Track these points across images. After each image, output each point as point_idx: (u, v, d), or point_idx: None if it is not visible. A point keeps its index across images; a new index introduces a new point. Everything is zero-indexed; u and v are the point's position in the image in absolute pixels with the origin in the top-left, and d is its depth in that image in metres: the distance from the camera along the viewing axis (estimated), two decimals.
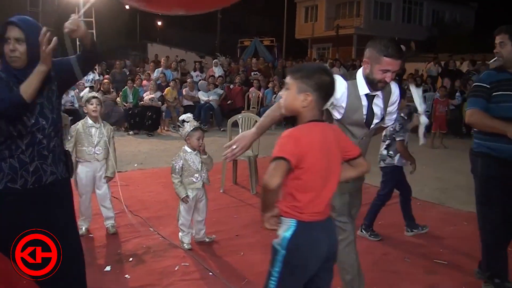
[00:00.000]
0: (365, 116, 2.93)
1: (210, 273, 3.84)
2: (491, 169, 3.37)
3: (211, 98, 12.92)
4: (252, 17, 45.26)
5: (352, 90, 2.89)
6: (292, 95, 2.22)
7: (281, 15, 32.93)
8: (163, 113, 12.17)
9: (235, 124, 6.66)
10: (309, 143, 2.14)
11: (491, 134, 3.26)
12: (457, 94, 12.57)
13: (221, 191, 6.28)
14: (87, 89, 4.45)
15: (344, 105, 2.87)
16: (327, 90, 2.22)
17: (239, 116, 6.73)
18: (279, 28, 33.01)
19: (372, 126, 2.99)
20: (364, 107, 2.92)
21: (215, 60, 16.45)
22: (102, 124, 4.58)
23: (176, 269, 3.91)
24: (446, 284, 3.80)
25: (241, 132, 6.37)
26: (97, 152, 4.51)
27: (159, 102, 12.00)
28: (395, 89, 3.04)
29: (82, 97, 5.19)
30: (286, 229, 2.17)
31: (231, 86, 14.16)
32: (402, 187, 4.92)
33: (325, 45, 35.55)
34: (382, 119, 3.04)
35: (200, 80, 14.43)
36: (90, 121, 4.54)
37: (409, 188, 4.93)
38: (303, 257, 2.17)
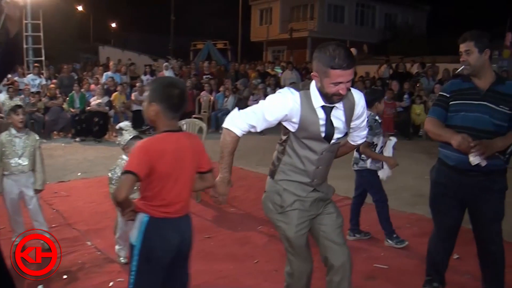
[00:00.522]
0: (323, 130, 2.71)
1: None
2: (441, 175, 3.43)
3: None
4: (208, 19, 45.11)
5: (306, 102, 2.68)
6: (146, 105, 2.46)
7: (237, 17, 32.94)
8: (111, 119, 11.90)
9: None
10: (160, 151, 2.36)
11: (444, 142, 3.29)
12: (406, 96, 12.82)
13: None
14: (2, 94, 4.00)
15: (296, 120, 2.68)
16: (174, 101, 2.41)
17: (183, 122, 6.63)
18: (234, 30, 33.03)
19: (333, 141, 2.76)
20: (321, 120, 2.70)
21: (165, 64, 16.22)
22: (26, 134, 4.37)
23: (110, 285, 3.78)
24: None
25: None
26: (22, 163, 4.28)
27: (107, 108, 11.72)
28: (359, 99, 2.80)
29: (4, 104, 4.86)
30: (139, 226, 2.41)
31: None
32: (371, 190, 4.90)
33: (280, 48, 35.79)
34: (346, 134, 2.88)
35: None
36: (14, 131, 4.30)
37: (384, 195, 4.83)
38: (154, 250, 2.40)
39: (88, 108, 11.54)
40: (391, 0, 37.23)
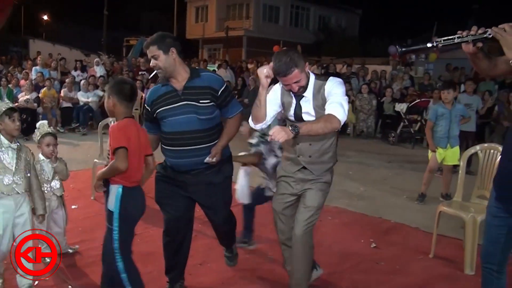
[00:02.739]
0: (293, 111, 3.17)
1: (70, 286, 3.72)
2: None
3: (90, 99, 12.44)
4: (143, 15, 44.45)
5: (284, 91, 3.22)
6: (106, 100, 3.13)
7: (172, 14, 32.63)
8: (40, 116, 11.56)
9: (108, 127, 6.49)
10: (130, 130, 3.01)
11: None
12: None
13: (92, 198, 6.08)
14: None
15: (280, 102, 3.24)
16: (126, 93, 3.07)
17: (110, 119, 6.56)
18: (169, 27, 32.69)
19: (307, 120, 3.11)
20: (293, 104, 3.17)
21: (96, 59, 15.86)
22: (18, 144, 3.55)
23: (35, 284, 3.74)
24: None
25: None
26: (17, 182, 3.42)
27: (35, 104, 11.38)
28: (327, 85, 3.08)
29: None
30: (115, 194, 3.01)
31: None
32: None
33: (216, 46, 35.75)
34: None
35: (81, 80, 13.86)
36: (5, 141, 3.40)
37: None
38: (129, 213, 3.05)
39: (16, 104, 11.15)
40: (325, 3, 38.12)
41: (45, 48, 21.39)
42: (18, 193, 3.40)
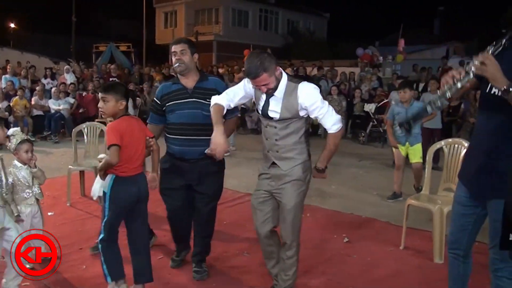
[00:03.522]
0: (261, 106, 3.35)
1: None
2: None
3: (61, 107, 12.36)
4: (112, 22, 44.09)
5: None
6: (113, 104, 3.41)
7: (141, 20, 32.47)
8: (11, 124, 11.43)
9: (81, 134, 6.52)
10: (124, 127, 3.37)
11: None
12: None
13: (68, 204, 6.11)
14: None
15: (252, 93, 3.42)
16: (126, 93, 3.51)
17: (83, 125, 6.59)
18: (138, 33, 32.55)
19: (273, 117, 3.30)
20: (262, 100, 3.35)
21: (66, 67, 15.74)
22: None
23: None
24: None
25: (86, 140, 6.33)
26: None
27: (6, 113, 11.26)
28: (301, 93, 3.22)
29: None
30: (109, 180, 3.43)
31: (84, 93, 13.68)
32: None
33: None
34: (289, 119, 3.29)
35: (51, 87, 13.75)
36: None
37: None
38: (118, 194, 3.44)
39: None
40: (293, 7, 38.53)
41: (14, 56, 21.06)
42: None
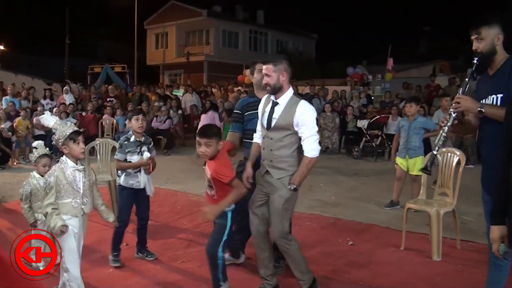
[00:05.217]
0: (266, 117, 3.78)
1: None
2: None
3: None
4: (103, 43, 44.45)
5: (266, 99, 3.94)
6: (215, 147, 3.59)
7: (132, 41, 32.93)
8: (13, 144, 11.72)
9: (91, 152, 6.84)
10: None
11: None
12: None
13: None
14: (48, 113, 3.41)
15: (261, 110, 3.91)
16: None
17: (97, 142, 6.91)
18: (130, 54, 32.94)
19: (272, 125, 3.73)
20: (268, 110, 3.80)
21: (65, 87, 16.07)
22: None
23: None
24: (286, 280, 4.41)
25: (99, 158, 6.65)
26: (85, 203, 3.69)
27: (10, 133, 11.56)
28: (299, 110, 3.65)
29: (43, 123, 3.93)
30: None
31: (83, 113, 14.02)
32: (137, 211, 4.86)
33: (176, 71, 36.22)
34: (287, 129, 3.70)
35: (50, 108, 14.06)
36: (72, 163, 3.64)
37: (145, 215, 4.90)
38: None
39: None
40: (282, 28, 39.28)
41: (7, 78, 21.22)
42: (85, 213, 3.70)
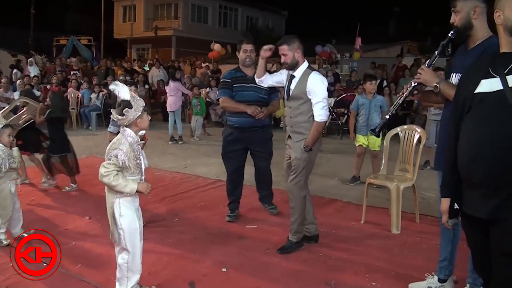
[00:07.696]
0: (286, 87, 4.38)
1: None
2: (230, 133, 5.25)
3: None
4: (69, 15, 43.34)
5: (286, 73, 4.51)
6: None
7: (99, 13, 32.16)
8: None
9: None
10: None
11: (234, 112, 5.12)
12: None
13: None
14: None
15: (283, 79, 4.51)
16: None
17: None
18: (96, 26, 32.23)
19: (291, 97, 4.30)
20: (287, 80, 4.38)
21: (30, 59, 15.70)
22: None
23: None
24: (254, 247, 4.56)
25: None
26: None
27: None
28: (309, 80, 4.17)
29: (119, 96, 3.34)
30: None
31: (48, 86, 13.74)
32: None
33: (144, 46, 35.63)
34: (301, 99, 4.24)
35: (16, 81, 13.74)
36: (136, 137, 3.46)
37: None
38: None
39: None
40: (253, 4, 39.00)
41: None
42: None
